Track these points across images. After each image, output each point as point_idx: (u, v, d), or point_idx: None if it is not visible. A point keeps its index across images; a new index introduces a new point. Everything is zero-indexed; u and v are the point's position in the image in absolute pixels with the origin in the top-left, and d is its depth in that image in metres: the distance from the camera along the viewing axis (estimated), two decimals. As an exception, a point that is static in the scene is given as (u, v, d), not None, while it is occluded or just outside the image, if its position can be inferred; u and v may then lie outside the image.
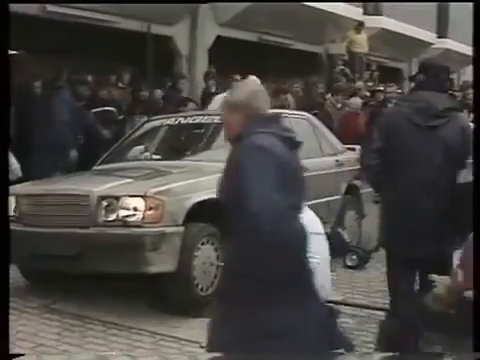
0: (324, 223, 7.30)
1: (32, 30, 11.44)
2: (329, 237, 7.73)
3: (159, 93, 11.35)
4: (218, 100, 7.96)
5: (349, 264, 7.49)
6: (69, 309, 5.99)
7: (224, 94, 4.95)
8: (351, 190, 8.55)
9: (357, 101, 12.16)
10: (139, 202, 5.86)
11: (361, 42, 17.39)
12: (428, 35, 20.54)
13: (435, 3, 20.60)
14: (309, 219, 5.40)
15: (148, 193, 5.91)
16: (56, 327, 5.63)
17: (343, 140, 9.19)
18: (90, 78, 11.21)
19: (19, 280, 6.78)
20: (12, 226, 6.31)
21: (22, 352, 5.01)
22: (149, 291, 6.36)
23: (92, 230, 5.88)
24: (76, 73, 10.89)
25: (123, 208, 5.86)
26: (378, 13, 18.85)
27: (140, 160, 7.40)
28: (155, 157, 7.50)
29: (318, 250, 5.30)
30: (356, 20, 17.34)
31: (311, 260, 5.17)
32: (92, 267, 5.77)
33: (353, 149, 9.18)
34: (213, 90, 12.09)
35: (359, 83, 14.29)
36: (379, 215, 5.26)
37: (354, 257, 7.63)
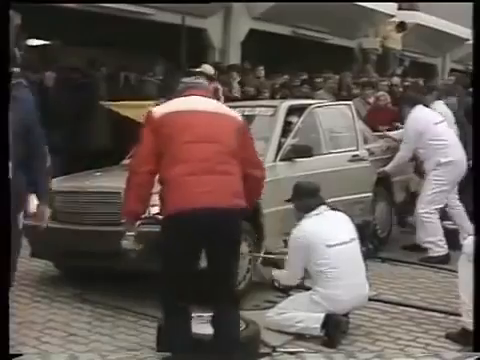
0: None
1: (68, 22, 11.50)
2: (360, 227, 7.70)
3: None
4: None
5: None
6: (101, 299, 5.99)
7: None
8: (382, 180, 8.43)
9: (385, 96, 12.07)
10: None
11: (396, 38, 17.29)
12: (463, 31, 20.30)
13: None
14: (325, 229, 5.35)
15: None
16: (87, 317, 5.63)
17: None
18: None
19: (50, 269, 6.80)
20: None
21: (53, 341, 5.08)
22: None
23: None
24: (110, 65, 10.93)
25: (155, 205, 5.63)
26: (413, 8, 18.67)
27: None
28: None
29: (332, 262, 5.25)
30: (390, 15, 17.20)
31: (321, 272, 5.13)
32: (127, 265, 5.62)
33: (383, 136, 8.99)
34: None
35: (395, 78, 14.11)
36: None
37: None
